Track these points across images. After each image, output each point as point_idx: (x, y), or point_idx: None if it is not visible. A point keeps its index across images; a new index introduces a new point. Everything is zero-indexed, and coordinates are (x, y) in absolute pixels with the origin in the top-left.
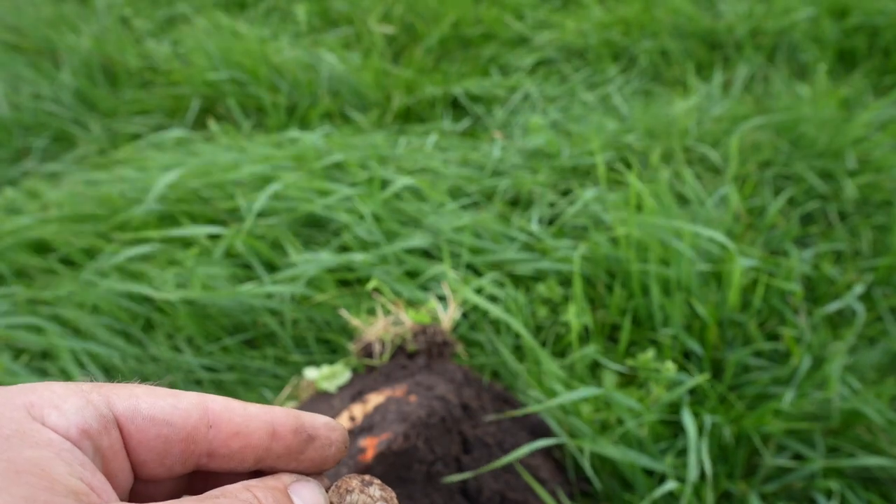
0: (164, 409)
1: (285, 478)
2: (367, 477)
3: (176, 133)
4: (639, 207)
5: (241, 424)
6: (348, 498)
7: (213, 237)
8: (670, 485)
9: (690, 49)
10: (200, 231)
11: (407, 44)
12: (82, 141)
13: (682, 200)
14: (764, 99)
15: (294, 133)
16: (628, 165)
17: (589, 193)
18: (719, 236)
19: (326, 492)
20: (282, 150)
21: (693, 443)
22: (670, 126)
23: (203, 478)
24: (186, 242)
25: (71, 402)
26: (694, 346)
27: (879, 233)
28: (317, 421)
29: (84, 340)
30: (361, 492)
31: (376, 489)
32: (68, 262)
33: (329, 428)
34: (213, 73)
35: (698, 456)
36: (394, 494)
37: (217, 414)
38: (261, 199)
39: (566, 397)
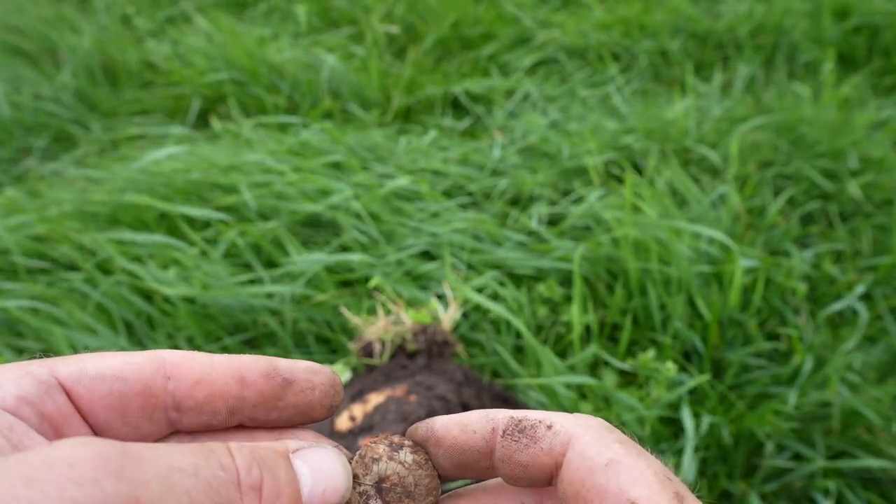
0: (113, 366)
1: (291, 443)
2: (396, 439)
3: (177, 131)
4: (636, 209)
5: (203, 372)
6: (375, 468)
7: (212, 237)
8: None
9: (690, 49)
10: (209, 214)
11: (407, 43)
12: (83, 141)
13: (682, 201)
14: (764, 99)
15: (290, 119)
16: (629, 166)
17: (593, 196)
18: (720, 235)
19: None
20: (283, 145)
21: (690, 439)
22: (670, 126)
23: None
24: (188, 241)
25: (8, 375)
26: (695, 345)
27: (880, 233)
28: (296, 364)
29: (83, 335)
30: (391, 458)
31: (407, 453)
32: (69, 259)
33: (310, 371)
34: (214, 73)
35: (699, 453)
36: (427, 456)
37: (175, 364)
38: (250, 195)
39: (560, 379)
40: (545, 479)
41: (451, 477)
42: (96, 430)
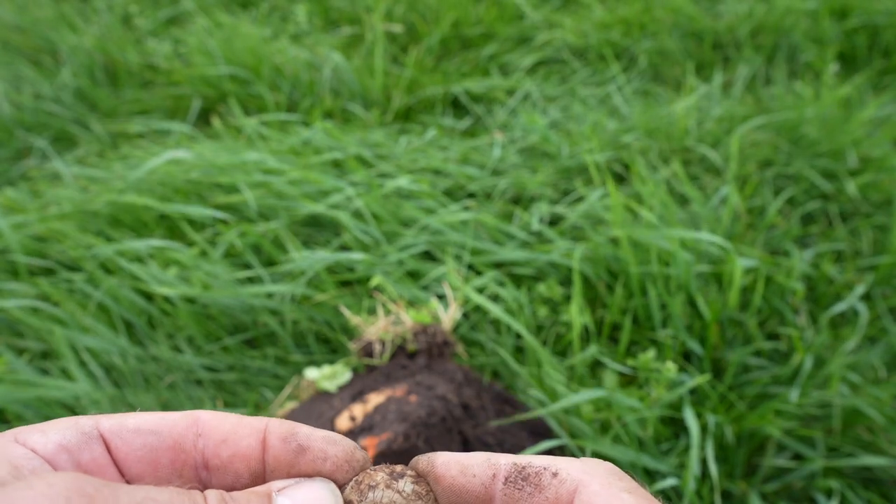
0: (150, 420)
1: (276, 483)
2: (397, 468)
3: (178, 129)
4: (639, 201)
5: (230, 431)
6: (370, 495)
7: (211, 238)
8: (671, 481)
9: (690, 49)
10: (208, 213)
11: (407, 43)
12: (83, 141)
13: (682, 200)
14: (764, 99)
15: (292, 117)
16: (628, 166)
17: (594, 195)
18: (717, 239)
19: (342, 490)
20: (284, 144)
21: (695, 440)
22: (670, 126)
23: None
24: (188, 241)
25: (57, 426)
26: (694, 345)
27: (880, 232)
28: (315, 433)
29: (84, 335)
30: (388, 486)
31: (408, 482)
32: (70, 259)
33: (327, 441)
34: (214, 72)
35: (701, 453)
36: (430, 488)
37: (206, 422)
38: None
39: (570, 400)
40: None
41: None
42: (130, 482)
